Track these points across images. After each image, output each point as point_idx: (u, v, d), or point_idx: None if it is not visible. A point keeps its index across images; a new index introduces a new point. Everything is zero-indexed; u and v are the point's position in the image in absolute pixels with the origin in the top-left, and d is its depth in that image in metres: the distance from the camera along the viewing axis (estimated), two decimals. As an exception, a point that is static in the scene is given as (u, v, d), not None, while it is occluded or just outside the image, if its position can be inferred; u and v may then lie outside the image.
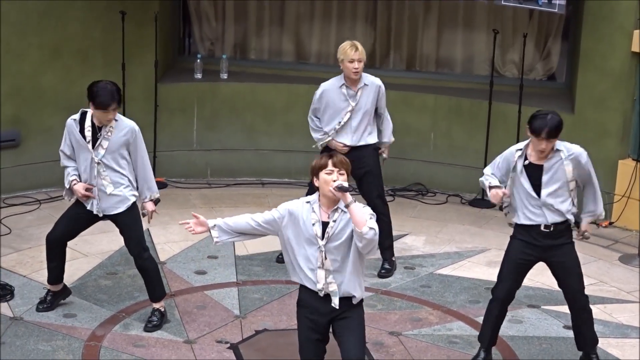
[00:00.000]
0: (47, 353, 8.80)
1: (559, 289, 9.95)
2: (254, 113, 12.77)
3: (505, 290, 8.71)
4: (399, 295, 10.11)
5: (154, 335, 9.14)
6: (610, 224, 11.81)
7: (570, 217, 8.54)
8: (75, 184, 9.06)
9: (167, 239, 11.06)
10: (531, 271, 10.59)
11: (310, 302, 7.38)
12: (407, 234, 11.43)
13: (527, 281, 10.31)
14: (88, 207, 9.09)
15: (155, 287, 9.28)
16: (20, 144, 11.95)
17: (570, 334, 9.11)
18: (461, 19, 12.96)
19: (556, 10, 11.48)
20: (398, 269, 10.59)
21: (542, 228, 8.49)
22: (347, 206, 7.17)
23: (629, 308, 10.00)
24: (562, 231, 8.52)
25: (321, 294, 7.33)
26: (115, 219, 9.16)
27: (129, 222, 9.14)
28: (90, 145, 8.94)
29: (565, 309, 9.78)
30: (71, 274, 9.95)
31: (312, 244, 7.30)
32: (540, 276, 10.51)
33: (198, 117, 12.65)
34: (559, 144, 8.37)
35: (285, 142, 12.65)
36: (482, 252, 11.11)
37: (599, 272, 10.70)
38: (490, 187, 8.58)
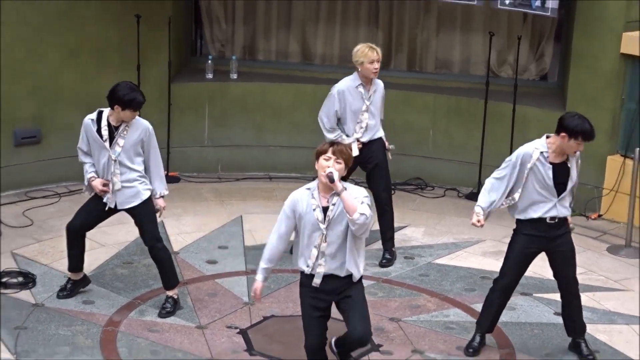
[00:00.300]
0: (67, 337, 8.86)
1: (550, 278, 10.03)
2: (262, 111, 12.79)
3: (510, 282, 8.80)
4: (398, 284, 10.17)
5: (167, 321, 9.20)
6: (599, 216, 11.86)
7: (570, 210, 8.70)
8: (93, 180, 9.18)
9: (180, 230, 11.12)
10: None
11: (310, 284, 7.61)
12: (407, 226, 11.48)
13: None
14: (104, 201, 9.22)
15: (168, 275, 9.37)
16: (41, 141, 11.98)
17: (560, 320, 9.14)
18: (459, 22, 12.95)
19: (549, 14, 11.47)
20: (398, 258, 10.65)
21: (548, 220, 8.58)
22: (337, 194, 7.34)
23: (616, 296, 10.05)
24: (563, 221, 8.65)
25: (307, 270, 7.55)
26: (130, 211, 9.26)
27: (143, 215, 9.24)
28: (107, 144, 9.08)
29: (555, 296, 9.84)
30: (90, 263, 9.97)
31: (316, 229, 7.50)
32: (532, 266, 10.56)
33: (209, 115, 12.68)
34: None
35: (291, 139, 12.67)
36: (477, 243, 11.16)
37: (588, 262, 10.74)
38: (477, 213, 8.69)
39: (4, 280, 9.70)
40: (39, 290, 9.67)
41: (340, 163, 7.45)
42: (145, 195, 9.20)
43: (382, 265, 10.48)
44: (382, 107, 10.47)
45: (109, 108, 9.05)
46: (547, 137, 8.57)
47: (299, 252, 7.67)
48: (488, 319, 8.93)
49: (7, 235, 10.76)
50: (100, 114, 9.13)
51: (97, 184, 9.15)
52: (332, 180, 7.33)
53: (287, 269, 10.20)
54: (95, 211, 9.30)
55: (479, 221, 8.67)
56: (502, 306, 8.91)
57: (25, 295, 9.57)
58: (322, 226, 7.50)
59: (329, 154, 7.46)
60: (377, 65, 10.09)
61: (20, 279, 9.77)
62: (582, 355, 8.87)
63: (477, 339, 8.95)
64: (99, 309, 9.41)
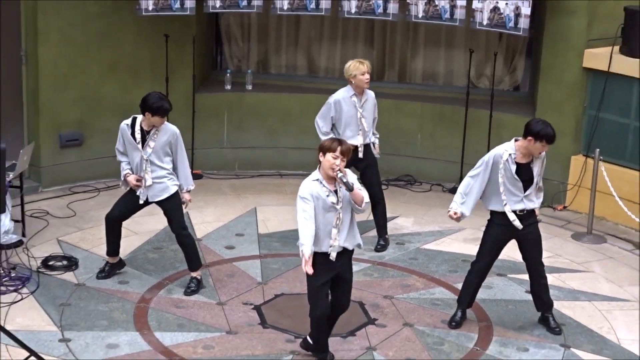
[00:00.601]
0: (105, 313, 8.87)
1: (522, 261, 10.02)
2: (274, 118, 12.76)
3: (485, 265, 8.80)
4: (391, 266, 10.13)
5: (192, 298, 9.18)
6: (565, 207, 11.80)
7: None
8: (128, 176, 9.15)
9: (203, 220, 11.07)
10: (499, 246, 10.65)
11: (324, 262, 7.65)
12: (398, 216, 11.42)
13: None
14: (137, 194, 9.17)
15: (192, 259, 9.33)
16: (83, 143, 11.95)
17: (531, 297, 9.16)
18: (443, 40, 12.92)
19: (521, 33, 11.44)
20: (391, 244, 10.60)
21: (518, 212, 8.54)
22: (350, 190, 7.44)
23: (579, 276, 10.01)
24: (531, 213, 8.58)
25: (329, 250, 7.60)
26: (160, 204, 9.22)
27: (171, 207, 9.20)
28: (140, 145, 9.02)
29: (526, 277, 9.82)
30: (124, 249, 9.96)
31: (332, 210, 7.56)
32: (506, 250, 10.51)
33: (228, 121, 12.65)
34: None
35: (299, 141, 12.63)
36: (459, 231, 11.09)
37: (554, 247, 10.70)
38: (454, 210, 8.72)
39: (50, 263, 9.71)
40: (80, 272, 9.67)
41: (344, 161, 7.47)
42: (173, 189, 9.16)
43: (377, 250, 10.42)
44: (376, 113, 10.40)
45: (142, 115, 9.01)
46: (516, 140, 8.53)
47: (316, 236, 7.58)
48: (467, 297, 8.91)
49: (53, 225, 10.74)
50: (134, 119, 9.12)
51: (132, 179, 9.12)
52: (351, 189, 7.37)
53: (296, 253, 10.14)
54: (130, 203, 9.27)
55: (455, 214, 8.72)
56: (478, 285, 8.90)
57: (69, 276, 9.57)
58: (338, 207, 7.58)
59: (337, 152, 7.44)
60: (367, 76, 10.07)
61: (65, 262, 9.77)
62: (549, 328, 8.86)
63: (459, 313, 8.92)
64: (132, 288, 9.40)
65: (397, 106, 12.56)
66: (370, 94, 10.31)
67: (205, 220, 11.11)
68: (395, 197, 12.00)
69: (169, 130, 9.08)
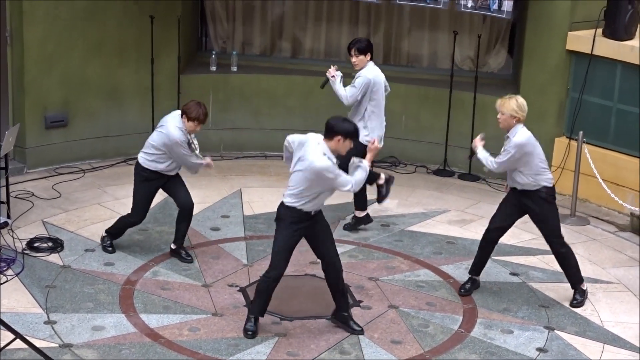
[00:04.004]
0: (91, 295, 8.78)
1: (507, 243, 10.01)
2: (259, 99, 12.66)
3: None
4: (376, 248, 10.06)
5: (177, 280, 9.09)
6: (548, 189, 11.75)
7: None
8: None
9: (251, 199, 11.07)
10: (483, 228, 10.62)
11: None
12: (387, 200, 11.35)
13: (479, 236, 10.25)
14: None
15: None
16: (68, 124, 11.82)
17: (515, 278, 9.24)
18: (427, 22, 12.83)
19: (504, 16, 11.41)
20: (375, 225, 10.51)
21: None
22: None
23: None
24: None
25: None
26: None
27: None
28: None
29: (510, 258, 9.84)
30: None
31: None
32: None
33: (213, 102, 12.54)
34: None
35: (284, 122, 12.54)
36: (443, 212, 11.03)
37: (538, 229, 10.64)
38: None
39: (35, 245, 9.59)
40: (66, 254, 9.56)
41: None
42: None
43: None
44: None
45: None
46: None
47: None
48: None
49: (38, 206, 10.62)
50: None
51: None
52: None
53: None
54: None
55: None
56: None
57: (54, 258, 9.46)
58: None
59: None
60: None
61: (50, 244, 9.66)
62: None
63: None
64: (118, 270, 9.30)
65: (382, 88, 12.46)
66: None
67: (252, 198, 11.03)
68: (379, 179, 11.91)
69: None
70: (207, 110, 9.23)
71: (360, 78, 9.98)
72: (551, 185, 8.82)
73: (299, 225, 8.05)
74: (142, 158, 9.29)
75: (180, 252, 9.51)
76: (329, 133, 7.84)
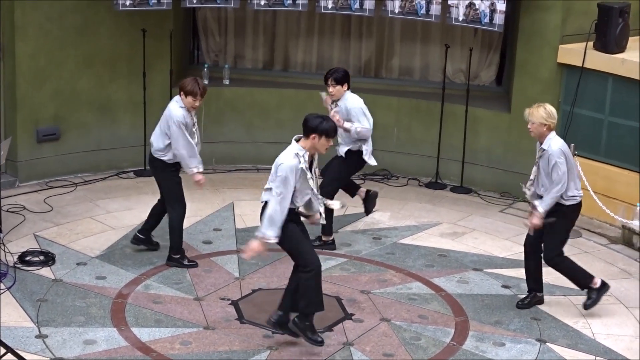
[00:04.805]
0: (82, 308, 8.75)
1: (498, 256, 10.01)
2: (251, 112, 12.66)
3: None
4: (368, 261, 10.05)
5: (169, 294, 9.07)
6: (540, 202, 11.74)
7: None
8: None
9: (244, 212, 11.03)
10: (475, 240, 10.63)
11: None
12: (375, 211, 11.29)
13: (471, 249, 10.36)
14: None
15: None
16: (60, 137, 11.80)
17: (507, 291, 9.21)
18: (419, 35, 12.85)
19: (496, 29, 11.42)
20: (367, 238, 10.51)
21: None
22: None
23: (554, 271, 9.83)
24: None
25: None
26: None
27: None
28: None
29: (502, 271, 9.85)
30: (101, 244, 9.93)
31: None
32: (482, 245, 10.50)
33: (205, 115, 12.53)
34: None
35: (276, 136, 12.52)
36: (435, 225, 11.03)
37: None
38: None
39: (27, 258, 9.56)
40: (57, 267, 9.54)
41: None
42: None
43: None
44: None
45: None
46: None
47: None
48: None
49: (30, 220, 10.60)
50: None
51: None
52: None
53: (273, 248, 10.10)
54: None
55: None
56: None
57: (45, 272, 9.44)
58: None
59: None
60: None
61: (42, 257, 9.62)
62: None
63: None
64: (109, 283, 9.28)
65: (374, 101, 12.42)
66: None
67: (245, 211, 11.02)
68: (371, 192, 11.92)
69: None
70: (205, 85, 9.41)
71: (356, 109, 10.07)
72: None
73: (298, 225, 8.15)
74: (153, 150, 9.51)
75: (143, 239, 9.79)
76: (305, 131, 7.97)
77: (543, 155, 8.74)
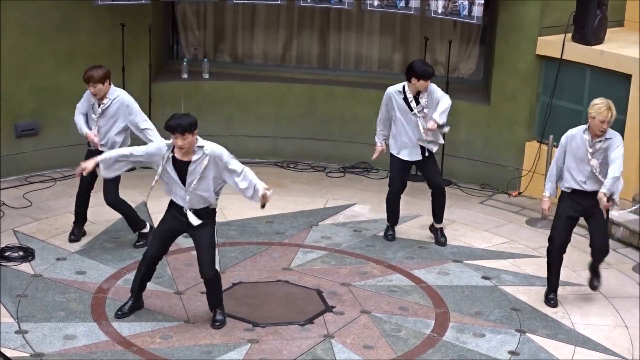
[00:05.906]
0: (62, 303, 8.72)
1: (479, 247, 10.02)
2: (231, 106, 12.64)
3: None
4: (348, 253, 10.04)
5: (149, 288, 8.96)
6: (519, 193, 11.78)
7: None
8: None
9: (160, 209, 10.79)
10: (455, 232, 10.65)
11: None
12: (355, 204, 11.34)
13: (451, 240, 10.37)
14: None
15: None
16: (39, 133, 11.77)
17: (487, 282, 9.19)
18: (398, 28, 12.86)
19: (475, 21, 11.43)
20: (348, 231, 10.51)
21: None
22: None
23: (534, 262, 9.96)
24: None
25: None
26: None
27: None
28: None
29: (482, 262, 9.86)
30: (82, 239, 9.90)
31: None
32: (463, 237, 10.52)
33: (185, 110, 12.46)
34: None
35: (256, 129, 12.54)
36: (415, 217, 11.04)
37: (509, 233, 10.68)
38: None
39: (6, 254, 9.52)
40: (37, 263, 9.49)
41: None
42: None
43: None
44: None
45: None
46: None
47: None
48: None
49: (9, 215, 10.55)
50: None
51: None
52: None
53: (253, 241, 10.12)
54: None
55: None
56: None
57: (25, 267, 9.39)
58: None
59: None
60: None
61: (21, 253, 9.58)
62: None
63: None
64: (89, 278, 9.24)
65: (353, 94, 12.49)
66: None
67: (162, 209, 10.76)
68: (352, 184, 11.94)
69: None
70: (91, 71, 9.74)
71: (440, 90, 10.48)
72: None
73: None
74: None
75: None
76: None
77: (604, 144, 8.73)
